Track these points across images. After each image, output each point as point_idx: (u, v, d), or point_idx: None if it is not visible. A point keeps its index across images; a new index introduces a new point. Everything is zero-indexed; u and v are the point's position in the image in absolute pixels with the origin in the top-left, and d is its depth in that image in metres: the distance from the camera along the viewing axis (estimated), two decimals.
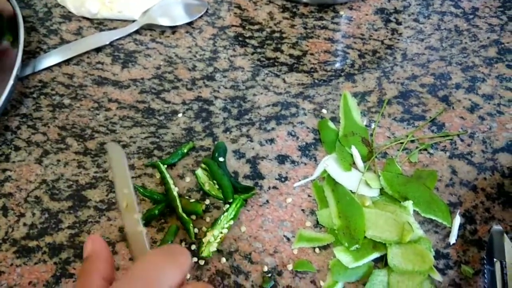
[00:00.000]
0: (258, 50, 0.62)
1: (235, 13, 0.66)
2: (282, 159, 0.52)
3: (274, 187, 0.50)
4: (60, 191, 0.50)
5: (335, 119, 0.54)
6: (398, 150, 0.51)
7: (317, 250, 0.46)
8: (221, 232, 0.46)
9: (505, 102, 0.54)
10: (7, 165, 0.52)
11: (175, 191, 0.48)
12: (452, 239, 0.45)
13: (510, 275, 0.41)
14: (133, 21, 0.65)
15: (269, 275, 0.44)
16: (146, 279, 0.28)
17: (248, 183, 0.50)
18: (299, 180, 0.50)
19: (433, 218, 0.46)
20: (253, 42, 0.63)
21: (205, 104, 0.57)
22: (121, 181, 0.38)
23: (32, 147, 0.53)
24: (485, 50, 0.60)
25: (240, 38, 0.64)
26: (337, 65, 0.61)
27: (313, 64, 0.61)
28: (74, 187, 0.51)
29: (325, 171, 0.50)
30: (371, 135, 0.53)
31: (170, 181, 0.49)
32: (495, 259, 0.42)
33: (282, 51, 0.62)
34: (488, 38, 0.61)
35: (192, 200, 0.48)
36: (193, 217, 0.48)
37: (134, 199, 0.37)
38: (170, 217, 0.48)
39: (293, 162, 0.51)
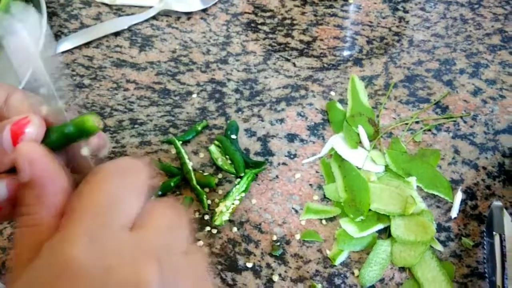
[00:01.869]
0: (270, 35, 0.65)
1: (248, 0, 0.69)
2: (291, 137, 0.54)
3: (284, 163, 0.52)
4: None
5: (342, 101, 0.57)
6: (403, 130, 0.54)
7: (323, 221, 0.48)
8: (233, 203, 0.48)
9: (507, 87, 0.56)
10: None
11: (189, 165, 0.51)
12: (454, 213, 0.47)
13: (509, 248, 0.43)
14: (150, 7, 0.67)
15: (278, 243, 0.47)
16: (101, 215, 0.24)
17: (259, 159, 0.52)
18: (308, 157, 0.52)
19: (436, 193, 0.48)
20: (265, 28, 0.66)
21: (218, 85, 0.60)
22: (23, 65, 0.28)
23: None
24: (489, 38, 0.62)
25: (252, 25, 0.66)
26: (346, 50, 0.63)
27: (323, 49, 0.63)
28: (93, 161, 0.53)
29: (332, 148, 0.52)
30: (377, 116, 0.55)
31: (185, 156, 0.52)
32: (494, 232, 0.44)
33: (292, 37, 0.64)
34: (492, 26, 0.63)
35: (205, 174, 0.51)
36: (206, 189, 0.50)
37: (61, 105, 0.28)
38: (185, 189, 0.51)
39: (302, 140, 0.54)
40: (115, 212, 0.25)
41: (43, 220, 0.25)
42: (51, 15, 0.68)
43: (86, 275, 0.23)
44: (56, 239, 0.24)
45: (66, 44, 0.64)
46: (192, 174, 0.50)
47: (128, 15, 0.67)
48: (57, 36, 0.66)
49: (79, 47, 0.64)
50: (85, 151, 0.28)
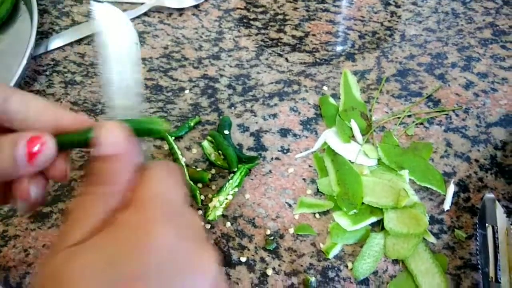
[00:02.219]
0: (262, 31, 0.65)
1: None
2: (284, 132, 0.54)
3: (277, 158, 0.52)
4: (72, 162, 0.53)
5: (335, 96, 0.57)
6: (396, 124, 0.54)
7: (317, 215, 0.48)
8: (226, 198, 0.48)
9: (499, 80, 0.57)
10: None
11: (182, 160, 0.51)
12: (446, 205, 0.48)
13: (501, 239, 0.43)
14: (142, 3, 0.67)
15: (272, 238, 0.46)
16: (170, 204, 0.27)
17: (252, 154, 0.52)
18: (301, 152, 0.52)
19: (428, 186, 0.48)
20: (257, 23, 0.66)
21: (211, 81, 0.59)
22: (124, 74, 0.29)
23: None
24: (480, 32, 0.62)
25: (244, 20, 0.66)
26: (338, 45, 0.63)
27: (315, 44, 0.63)
28: (86, 157, 0.53)
29: (325, 143, 0.52)
30: (370, 110, 0.55)
31: (178, 152, 0.52)
32: (487, 224, 0.44)
33: (285, 32, 0.64)
34: (483, 20, 0.64)
35: (198, 169, 0.51)
36: (200, 185, 0.50)
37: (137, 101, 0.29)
38: None
39: (295, 135, 0.54)
40: (178, 203, 0.28)
41: (118, 193, 0.28)
42: (42, 12, 0.68)
43: (171, 253, 0.25)
44: (140, 215, 0.26)
45: (58, 41, 0.64)
46: (185, 169, 0.50)
47: None
48: (49, 33, 0.65)
49: (70, 44, 0.64)
50: (144, 145, 0.31)
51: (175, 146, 0.52)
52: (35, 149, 0.28)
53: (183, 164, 0.50)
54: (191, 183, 0.49)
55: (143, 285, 0.24)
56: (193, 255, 0.26)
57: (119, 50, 0.29)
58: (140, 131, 0.30)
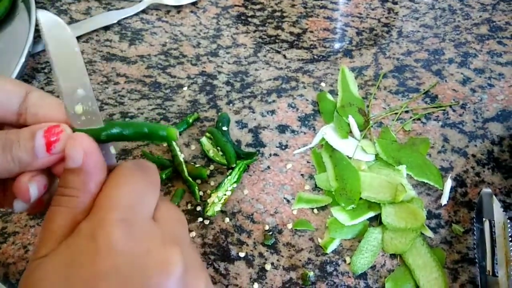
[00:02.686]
0: (260, 28, 0.65)
1: None
2: (282, 128, 0.54)
3: (275, 154, 0.52)
4: None
5: (333, 92, 0.57)
6: (393, 120, 0.54)
7: (315, 210, 0.48)
8: (225, 194, 0.49)
9: (495, 76, 0.57)
10: None
11: (181, 157, 0.51)
12: (444, 200, 0.48)
13: (498, 233, 0.44)
14: (140, 1, 0.67)
15: (270, 233, 0.47)
16: (132, 206, 0.28)
17: (251, 150, 0.52)
18: (299, 148, 0.53)
19: (426, 181, 0.49)
20: (255, 20, 0.66)
21: (209, 78, 0.60)
22: (70, 72, 0.29)
23: None
24: (477, 28, 0.62)
25: (242, 17, 0.66)
26: (336, 42, 0.63)
27: (313, 41, 0.63)
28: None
29: (323, 139, 0.53)
30: (368, 106, 0.55)
31: (176, 148, 0.52)
32: (484, 219, 0.45)
33: (283, 29, 0.65)
34: (480, 16, 0.64)
35: (197, 166, 0.51)
36: (198, 181, 0.50)
37: (96, 106, 0.30)
38: (177, 181, 0.51)
39: (293, 131, 0.54)
40: (143, 204, 0.29)
41: (83, 204, 0.28)
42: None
43: (126, 256, 0.26)
44: (94, 221, 0.27)
45: None
46: (184, 166, 0.50)
47: (117, 9, 0.67)
48: None
49: None
50: (113, 149, 0.32)
51: (174, 143, 0.52)
52: (53, 138, 0.29)
53: (182, 160, 0.51)
54: (190, 179, 0.49)
55: (104, 286, 0.25)
56: (153, 255, 0.27)
57: (62, 57, 0.29)
58: (152, 136, 0.31)
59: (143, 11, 0.67)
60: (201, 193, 0.49)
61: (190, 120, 0.55)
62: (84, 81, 0.29)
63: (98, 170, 0.29)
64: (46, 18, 0.29)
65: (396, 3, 0.67)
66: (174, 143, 0.52)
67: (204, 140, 0.53)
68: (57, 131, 0.29)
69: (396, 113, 0.54)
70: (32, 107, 0.30)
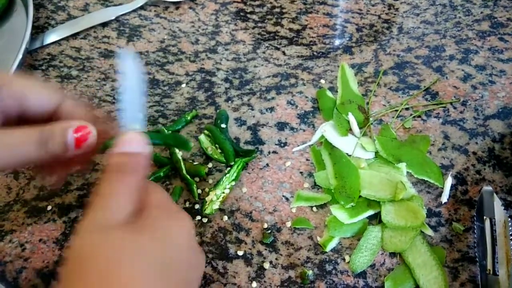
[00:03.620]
0: (259, 24, 0.64)
1: None
2: (281, 126, 0.54)
3: (274, 152, 0.52)
4: None
5: (333, 89, 0.56)
6: (393, 117, 0.54)
7: (314, 209, 0.48)
8: (223, 192, 0.48)
9: (497, 73, 0.56)
10: None
11: (179, 154, 0.51)
12: (444, 198, 0.47)
13: (499, 232, 0.43)
14: None
15: (269, 231, 0.46)
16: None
17: (249, 148, 0.52)
18: (298, 145, 0.52)
19: (426, 179, 0.48)
20: (254, 17, 0.65)
21: (208, 75, 0.59)
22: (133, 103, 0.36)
23: None
24: (478, 24, 0.62)
25: (241, 13, 0.66)
26: (335, 38, 0.63)
27: (312, 37, 0.63)
28: None
29: (322, 136, 0.52)
30: (367, 103, 0.55)
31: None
32: (485, 217, 0.44)
33: (282, 25, 0.64)
34: (481, 12, 0.63)
35: (195, 163, 0.50)
36: (197, 179, 0.50)
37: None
38: (175, 179, 0.50)
39: (292, 128, 0.53)
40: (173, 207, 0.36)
41: (139, 183, 0.33)
42: (38, 6, 0.67)
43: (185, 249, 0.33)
44: (168, 214, 0.34)
45: (54, 35, 0.63)
46: (182, 163, 0.50)
47: (115, 5, 0.67)
48: (44, 27, 0.65)
49: (66, 39, 0.63)
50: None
51: None
52: (82, 137, 0.35)
53: (180, 158, 0.50)
54: (188, 177, 0.49)
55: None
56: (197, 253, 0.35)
57: (130, 84, 0.37)
58: (175, 143, 0.43)
59: (141, 7, 0.66)
60: (199, 191, 0.49)
61: (189, 118, 0.54)
62: (143, 109, 0.37)
63: (148, 159, 0.35)
64: (126, 55, 0.37)
65: None
66: None
67: (202, 137, 0.52)
68: (86, 132, 0.36)
69: (396, 110, 0.54)
70: (66, 113, 0.37)
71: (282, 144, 0.52)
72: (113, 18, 0.64)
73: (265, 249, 0.45)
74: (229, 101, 0.56)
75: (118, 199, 0.32)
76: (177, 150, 0.51)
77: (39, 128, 0.35)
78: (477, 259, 0.43)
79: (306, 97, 0.56)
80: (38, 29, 0.65)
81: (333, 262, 0.44)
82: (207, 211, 0.47)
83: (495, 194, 0.46)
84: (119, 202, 0.31)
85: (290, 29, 0.64)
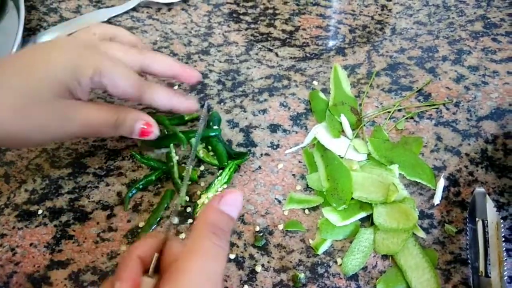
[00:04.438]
0: (252, 26, 0.64)
1: None
2: (274, 128, 0.54)
3: (266, 154, 0.52)
4: (60, 159, 0.52)
5: (325, 91, 0.56)
6: (386, 118, 0.53)
7: (306, 211, 0.48)
8: (215, 195, 0.48)
9: (490, 73, 0.56)
10: None
11: (175, 158, 0.50)
12: (436, 200, 0.47)
13: (491, 233, 0.43)
14: None
15: (261, 234, 0.46)
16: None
17: (242, 150, 0.52)
18: (290, 147, 0.52)
19: (418, 180, 0.48)
20: (247, 18, 0.65)
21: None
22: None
23: None
24: (471, 25, 0.62)
25: (234, 15, 0.65)
26: (328, 39, 0.62)
27: (305, 39, 0.62)
28: (74, 155, 0.53)
29: (315, 138, 0.52)
30: (360, 104, 0.55)
31: (172, 150, 0.50)
32: (477, 219, 0.44)
33: (275, 27, 0.64)
34: (474, 13, 0.63)
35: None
36: (188, 182, 0.50)
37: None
38: (166, 182, 0.50)
39: (284, 130, 0.53)
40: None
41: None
42: (30, 8, 0.67)
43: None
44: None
45: (46, 37, 0.63)
46: (176, 167, 0.49)
47: (107, 7, 0.66)
48: (36, 30, 0.65)
49: None
50: (175, 220, 0.44)
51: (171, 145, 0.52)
52: (147, 130, 0.45)
53: (175, 162, 0.50)
54: (179, 182, 0.49)
55: None
56: None
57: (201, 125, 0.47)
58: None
59: (134, 9, 0.66)
60: (191, 194, 0.49)
61: (186, 118, 0.54)
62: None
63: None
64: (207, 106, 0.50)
65: (389, 0, 0.66)
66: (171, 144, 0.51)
67: (194, 140, 0.52)
68: (151, 130, 0.46)
69: (389, 112, 0.54)
70: (123, 38, 0.51)
71: (274, 146, 0.52)
72: (105, 20, 0.64)
73: (257, 252, 0.45)
74: (222, 103, 0.56)
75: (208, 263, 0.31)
76: (174, 153, 0.51)
77: (117, 112, 0.44)
78: (469, 261, 0.43)
79: (299, 98, 0.56)
80: (30, 31, 0.64)
81: (325, 265, 0.44)
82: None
83: (487, 196, 0.45)
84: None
85: (283, 31, 0.63)
